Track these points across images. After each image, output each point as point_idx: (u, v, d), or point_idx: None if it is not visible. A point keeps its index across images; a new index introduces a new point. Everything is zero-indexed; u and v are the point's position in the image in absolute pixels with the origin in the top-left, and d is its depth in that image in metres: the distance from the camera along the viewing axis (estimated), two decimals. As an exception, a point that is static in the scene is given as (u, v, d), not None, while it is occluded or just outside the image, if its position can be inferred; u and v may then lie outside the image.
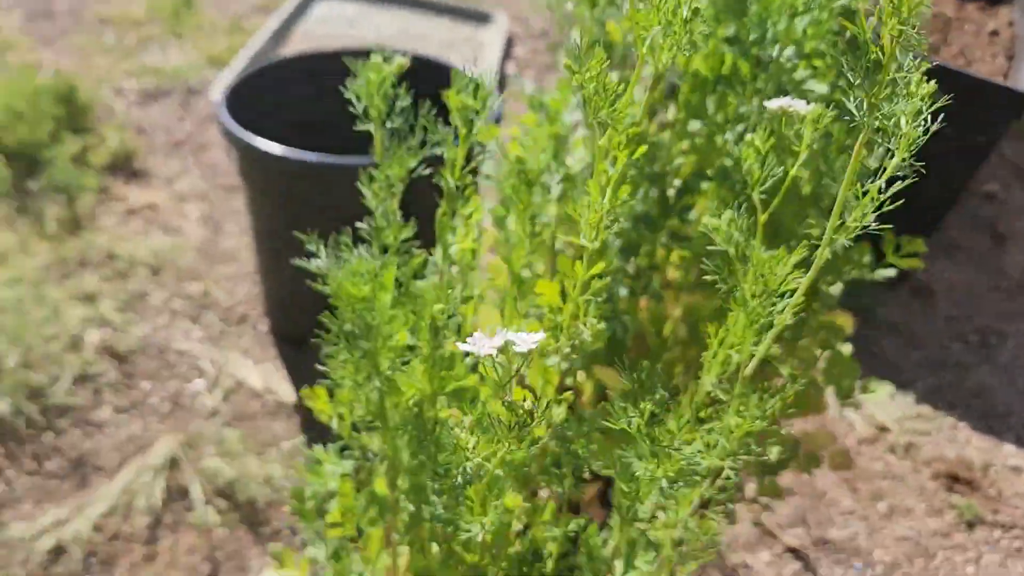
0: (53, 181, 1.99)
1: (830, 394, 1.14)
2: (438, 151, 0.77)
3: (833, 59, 0.95)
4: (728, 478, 0.71)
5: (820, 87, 0.96)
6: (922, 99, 0.55)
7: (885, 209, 0.59)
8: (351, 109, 0.78)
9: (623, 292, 1.12)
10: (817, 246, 0.64)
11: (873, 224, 0.60)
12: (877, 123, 0.57)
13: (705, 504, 0.78)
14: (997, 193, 2.26)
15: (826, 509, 1.57)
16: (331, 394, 0.87)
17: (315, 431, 1.58)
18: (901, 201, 0.58)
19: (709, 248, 0.67)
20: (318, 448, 0.90)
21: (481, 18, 2.74)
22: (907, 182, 0.57)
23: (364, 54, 0.79)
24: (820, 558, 1.53)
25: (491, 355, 0.54)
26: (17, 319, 1.63)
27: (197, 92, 2.44)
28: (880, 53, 0.55)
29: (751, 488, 1.27)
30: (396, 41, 2.56)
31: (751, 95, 0.99)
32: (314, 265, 0.71)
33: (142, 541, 1.37)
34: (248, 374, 1.67)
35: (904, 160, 0.57)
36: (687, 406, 0.70)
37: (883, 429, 1.69)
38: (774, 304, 0.64)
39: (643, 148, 0.63)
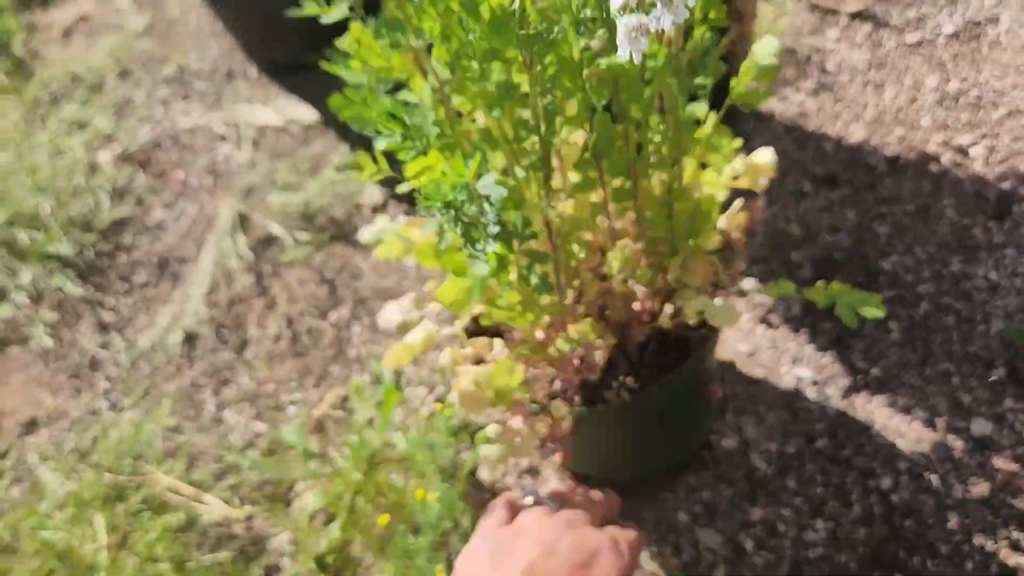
0: (-24, 40, 1.85)
1: None
2: None
3: None
4: None
5: None
6: None
7: None
8: None
9: None
10: None
11: None
12: None
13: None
14: None
15: (875, -45, 1.45)
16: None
17: (354, 137, 1.53)
18: None
19: None
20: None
21: None
22: None
23: None
24: (888, 11, 1.45)
25: None
26: (28, 173, 1.58)
27: None
28: None
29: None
30: None
31: None
32: None
33: (256, 295, 1.39)
34: (263, 117, 1.60)
35: None
36: None
37: None
38: None
39: None
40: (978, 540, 0.98)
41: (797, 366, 1.14)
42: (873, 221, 1.23)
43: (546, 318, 0.83)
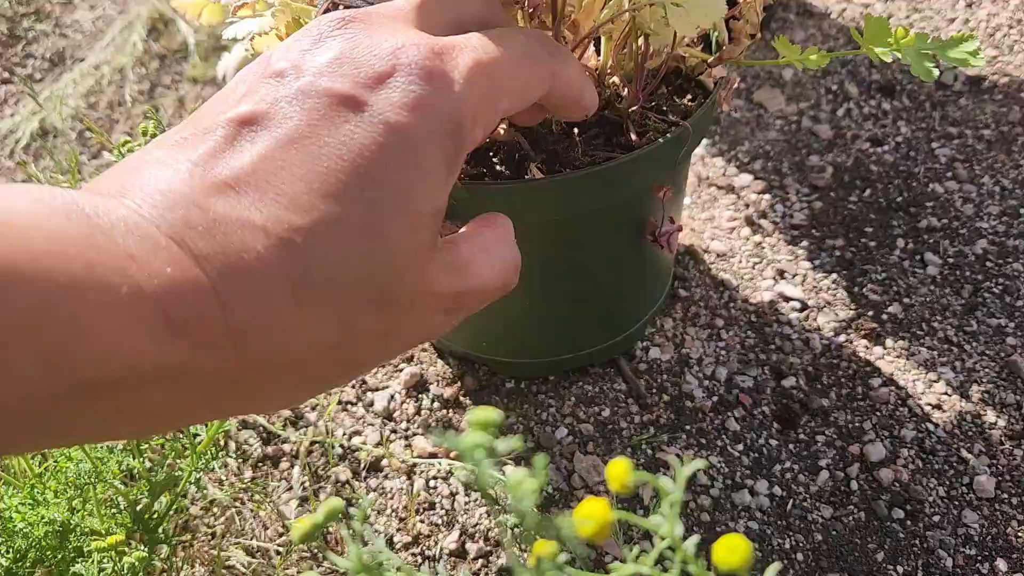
0: None
1: None
2: None
3: None
4: None
5: None
6: None
7: None
8: None
9: None
10: None
11: None
12: None
13: None
14: None
15: None
16: None
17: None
18: None
19: None
20: None
21: None
22: None
23: None
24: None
25: None
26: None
27: None
28: None
29: None
30: None
31: None
32: None
33: (143, 103, 1.11)
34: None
35: None
36: None
37: None
38: None
39: None
40: (1002, 561, 0.61)
41: (783, 282, 0.80)
42: (934, 141, 0.90)
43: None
